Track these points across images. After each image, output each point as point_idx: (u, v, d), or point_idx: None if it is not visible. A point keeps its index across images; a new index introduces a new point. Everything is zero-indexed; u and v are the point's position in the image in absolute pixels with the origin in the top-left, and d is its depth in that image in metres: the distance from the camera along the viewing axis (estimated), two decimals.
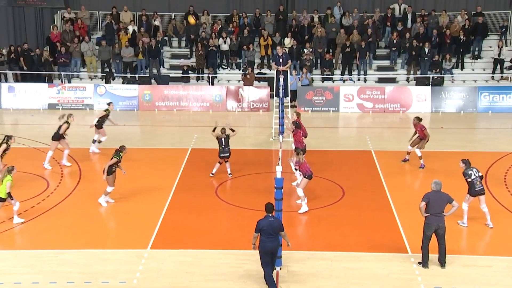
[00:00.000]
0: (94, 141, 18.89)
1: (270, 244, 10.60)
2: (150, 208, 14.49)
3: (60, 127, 17.37)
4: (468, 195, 13.29)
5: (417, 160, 17.69)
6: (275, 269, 11.25)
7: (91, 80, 26.52)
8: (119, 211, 14.48)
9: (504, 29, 26.76)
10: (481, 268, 11.66)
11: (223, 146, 16.43)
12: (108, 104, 19.38)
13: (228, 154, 16.45)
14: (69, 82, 26.05)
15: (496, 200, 14.93)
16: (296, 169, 14.99)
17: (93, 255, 12.17)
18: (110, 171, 14.49)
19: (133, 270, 11.58)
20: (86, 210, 14.50)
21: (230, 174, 16.73)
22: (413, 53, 25.71)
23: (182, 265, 11.79)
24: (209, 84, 25.80)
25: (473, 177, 13.18)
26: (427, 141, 17.32)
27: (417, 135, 17.36)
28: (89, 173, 16.99)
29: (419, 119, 17.35)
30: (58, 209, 14.53)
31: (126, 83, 25.59)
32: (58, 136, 17.32)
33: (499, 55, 25.70)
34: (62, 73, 26.01)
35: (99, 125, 18.78)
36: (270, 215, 10.74)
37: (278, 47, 22.97)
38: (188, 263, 11.89)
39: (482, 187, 13.24)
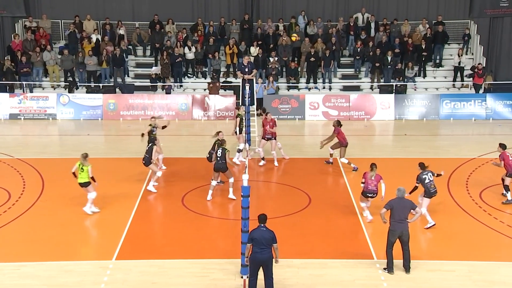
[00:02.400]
0: (239, 151, 18.42)
1: (260, 255, 10.46)
2: (116, 219, 14.31)
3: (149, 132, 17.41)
4: (424, 197, 13.86)
5: (380, 166, 17.90)
6: (241, 277, 11.24)
7: (54, 89, 26.11)
8: (83, 222, 14.24)
9: (467, 38, 27.36)
10: (445, 272, 11.84)
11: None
12: (238, 108, 19.20)
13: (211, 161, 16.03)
14: (31, 91, 25.59)
15: (459, 206, 15.22)
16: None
17: (56, 267, 11.94)
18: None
19: (97, 282, 11.40)
20: (49, 221, 14.23)
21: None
22: (377, 64, 26.05)
23: (148, 276, 11.66)
24: (167, 93, 25.54)
25: (427, 181, 13.74)
26: (345, 146, 17.83)
27: (335, 138, 17.90)
28: (52, 184, 16.67)
29: (338, 123, 18.00)
30: (20, 221, 14.23)
31: (90, 92, 25.28)
32: (153, 140, 16.97)
33: (459, 63, 26.26)
34: (24, 82, 25.55)
35: (240, 131, 18.45)
36: (262, 225, 10.63)
37: (246, 57, 23.16)
38: (154, 273, 11.77)
39: (436, 189, 13.87)
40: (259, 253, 10.46)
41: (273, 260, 10.68)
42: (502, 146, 15.48)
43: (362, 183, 14.05)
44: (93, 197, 14.47)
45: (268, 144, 18.61)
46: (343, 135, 17.83)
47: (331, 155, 18.35)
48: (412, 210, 11.84)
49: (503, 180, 15.48)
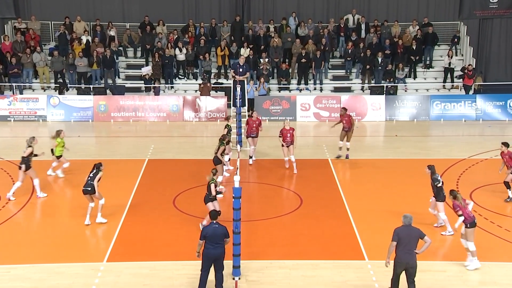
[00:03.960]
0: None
1: (213, 251, 10.63)
2: (107, 220, 14.24)
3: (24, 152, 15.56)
4: (438, 202, 13.39)
5: (371, 167, 17.97)
6: (233, 278, 11.25)
7: (44, 91, 25.99)
8: (75, 224, 14.17)
9: (456, 40, 27.44)
10: (436, 273, 11.87)
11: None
12: (227, 118, 18.62)
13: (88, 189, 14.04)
14: (21, 93, 25.46)
15: (449, 206, 15.25)
16: None
17: (47, 269, 11.87)
18: (218, 160, 15.75)
19: (88, 284, 11.35)
20: (39, 223, 14.16)
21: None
22: (367, 66, 26.10)
23: (139, 277, 11.62)
24: (156, 94, 25.48)
25: (441, 183, 13.39)
26: (346, 131, 18.68)
27: (341, 126, 18.76)
28: (42, 186, 16.56)
29: (342, 109, 19.00)
30: (10, 223, 14.14)
31: (81, 94, 25.18)
32: (27, 163, 15.41)
33: (449, 64, 26.39)
34: (14, 84, 25.41)
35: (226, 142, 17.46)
36: (214, 222, 10.80)
37: (242, 57, 23.24)
38: (145, 275, 11.72)
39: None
40: (212, 249, 10.64)
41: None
42: (506, 145, 15.51)
43: (460, 215, 11.87)
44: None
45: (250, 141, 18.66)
46: (348, 120, 18.58)
47: (340, 148, 18.96)
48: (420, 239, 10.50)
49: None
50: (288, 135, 17.68)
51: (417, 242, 10.40)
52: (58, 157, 17.12)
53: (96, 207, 13.97)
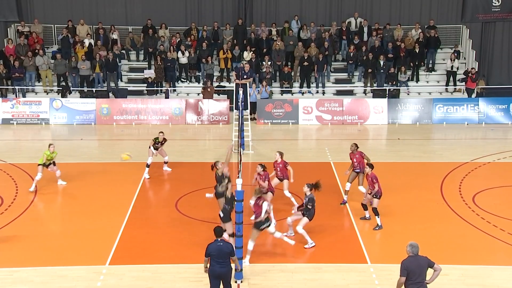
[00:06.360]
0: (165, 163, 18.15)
1: (219, 269, 10.23)
2: (109, 223, 14.26)
3: None
4: (306, 218, 13.00)
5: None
6: (235, 281, 11.26)
7: (47, 94, 26.03)
8: (77, 227, 14.18)
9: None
10: (438, 276, 11.83)
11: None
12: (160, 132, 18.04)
13: None
14: (24, 96, 25.51)
15: (452, 210, 15.26)
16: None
17: (49, 272, 11.89)
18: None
19: (91, 287, 11.36)
20: (42, 226, 14.16)
21: None
22: (369, 69, 26.09)
23: (141, 280, 11.63)
24: (166, 97, 25.56)
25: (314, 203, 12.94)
26: (357, 172, 15.64)
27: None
28: (44, 189, 16.60)
29: (356, 145, 15.77)
30: (12, 226, 14.15)
31: (83, 97, 25.23)
32: None
33: (451, 67, 26.37)
34: (17, 87, 25.46)
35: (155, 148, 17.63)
36: (219, 239, 10.36)
37: (247, 64, 23.23)
38: (148, 278, 11.73)
39: None
40: (218, 267, 10.23)
41: (235, 269, 10.62)
42: (370, 166, 14.32)
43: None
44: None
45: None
46: (359, 159, 15.57)
47: (346, 192, 15.79)
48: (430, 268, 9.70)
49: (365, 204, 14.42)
50: (278, 169, 15.27)
51: (426, 271, 9.54)
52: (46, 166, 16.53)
53: None
